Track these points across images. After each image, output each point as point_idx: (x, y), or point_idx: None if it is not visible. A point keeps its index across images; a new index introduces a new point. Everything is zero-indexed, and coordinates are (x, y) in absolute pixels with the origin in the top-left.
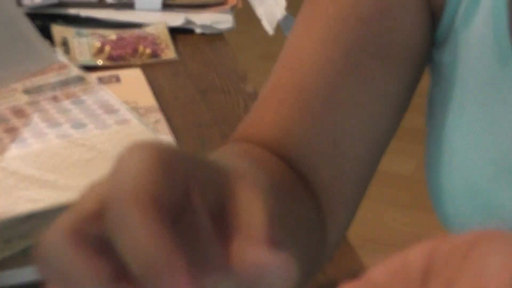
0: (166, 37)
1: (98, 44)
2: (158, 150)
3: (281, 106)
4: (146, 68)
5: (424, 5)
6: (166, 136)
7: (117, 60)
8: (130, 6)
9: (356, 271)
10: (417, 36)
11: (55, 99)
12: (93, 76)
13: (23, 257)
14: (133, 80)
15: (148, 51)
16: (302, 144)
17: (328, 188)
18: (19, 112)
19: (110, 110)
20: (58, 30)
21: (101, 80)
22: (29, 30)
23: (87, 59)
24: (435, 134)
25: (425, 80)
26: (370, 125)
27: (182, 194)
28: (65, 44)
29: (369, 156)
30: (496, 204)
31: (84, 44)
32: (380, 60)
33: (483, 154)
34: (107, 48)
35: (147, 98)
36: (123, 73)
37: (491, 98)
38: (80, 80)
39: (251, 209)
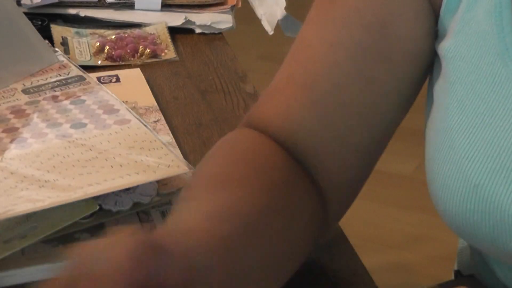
0: (166, 37)
1: (97, 44)
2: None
3: (292, 100)
4: (146, 68)
5: (425, 11)
6: (166, 136)
7: (117, 60)
8: (129, 6)
9: (356, 271)
10: (416, 40)
11: (54, 99)
12: (93, 76)
13: (23, 257)
14: (133, 80)
15: (148, 51)
16: (308, 136)
17: (331, 174)
18: (18, 112)
19: (110, 110)
20: (58, 30)
21: (101, 80)
22: (29, 30)
23: (86, 59)
24: (435, 128)
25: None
26: (372, 120)
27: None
28: (64, 44)
29: (371, 147)
30: (495, 200)
31: (84, 44)
32: (381, 62)
33: (483, 149)
34: (107, 48)
35: (147, 98)
36: (123, 73)
37: (493, 93)
38: (80, 80)
39: None
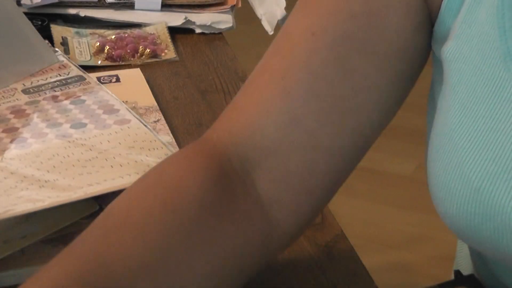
0: (166, 37)
1: (97, 44)
2: None
3: (265, 89)
4: (146, 68)
5: (418, 8)
6: (166, 136)
7: (117, 60)
8: (129, 6)
9: (356, 271)
10: (405, 34)
11: (54, 99)
12: (93, 76)
13: (23, 257)
14: (133, 80)
15: (148, 51)
16: (276, 129)
17: (293, 178)
18: (18, 112)
19: (110, 110)
20: (58, 30)
21: (101, 80)
22: (29, 30)
23: (86, 59)
24: (437, 131)
25: (425, 80)
26: (349, 117)
27: None
28: (64, 44)
29: (346, 148)
30: (497, 204)
31: (84, 44)
32: (365, 54)
33: (485, 153)
34: (107, 48)
35: (147, 98)
36: (123, 73)
37: (494, 96)
38: (80, 80)
39: None
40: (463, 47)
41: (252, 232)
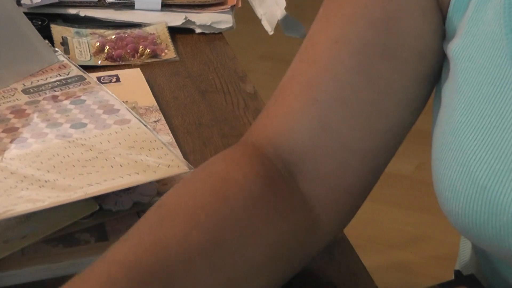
0: (166, 37)
1: (97, 44)
2: None
3: (293, 99)
4: (146, 68)
5: (432, 9)
6: (166, 136)
7: (117, 60)
8: (129, 6)
9: (356, 271)
10: (423, 37)
11: (54, 99)
12: (93, 76)
13: (23, 257)
14: (133, 80)
15: (148, 51)
16: (308, 136)
17: (330, 179)
18: (18, 112)
19: (110, 110)
20: (58, 30)
21: (101, 80)
22: (29, 30)
23: (86, 59)
24: (442, 129)
25: None
26: (378, 120)
27: None
28: (64, 44)
29: (378, 149)
30: (502, 202)
31: (84, 44)
32: (387, 59)
33: (491, 151)
34: (107, 48)
35: (147, 98)
36: (123, 73)
37: (500, 95)
38: (80, 80)
39: None
40: (470, 45)
41: (298, 225)
